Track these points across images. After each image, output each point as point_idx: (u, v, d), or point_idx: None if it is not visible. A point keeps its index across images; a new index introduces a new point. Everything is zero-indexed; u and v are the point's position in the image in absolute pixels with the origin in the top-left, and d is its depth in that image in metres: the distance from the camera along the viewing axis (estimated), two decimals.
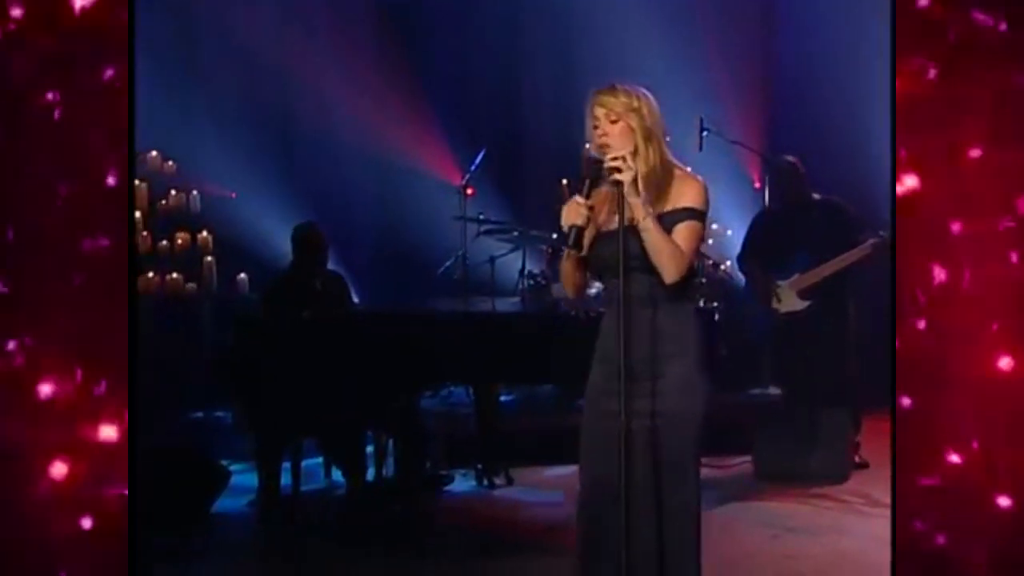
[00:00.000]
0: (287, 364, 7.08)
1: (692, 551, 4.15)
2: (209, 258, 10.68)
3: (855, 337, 8.30)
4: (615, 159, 4.04)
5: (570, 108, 12.38)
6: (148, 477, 7.14)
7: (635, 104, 4.16)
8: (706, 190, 4.18)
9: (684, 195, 4.13)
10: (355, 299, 9.09)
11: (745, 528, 6.94)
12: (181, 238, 10.81)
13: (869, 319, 8.24)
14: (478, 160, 9.81)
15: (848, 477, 7.85)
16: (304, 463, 7.89)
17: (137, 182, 10.88)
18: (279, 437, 7.26)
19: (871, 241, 7.93)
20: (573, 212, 4.10)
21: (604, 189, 4.19)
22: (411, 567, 6.36)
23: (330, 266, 8.26)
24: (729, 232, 11.27)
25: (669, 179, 4.17)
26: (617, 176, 4.02)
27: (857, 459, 8.08)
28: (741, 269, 8.87)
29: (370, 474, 7.61)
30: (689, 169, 4.31)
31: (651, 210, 4.02)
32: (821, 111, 10.87)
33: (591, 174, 4.15)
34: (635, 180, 4.01)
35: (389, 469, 7.58)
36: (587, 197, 4.12)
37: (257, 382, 7.16)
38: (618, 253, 4.00)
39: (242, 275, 10.63)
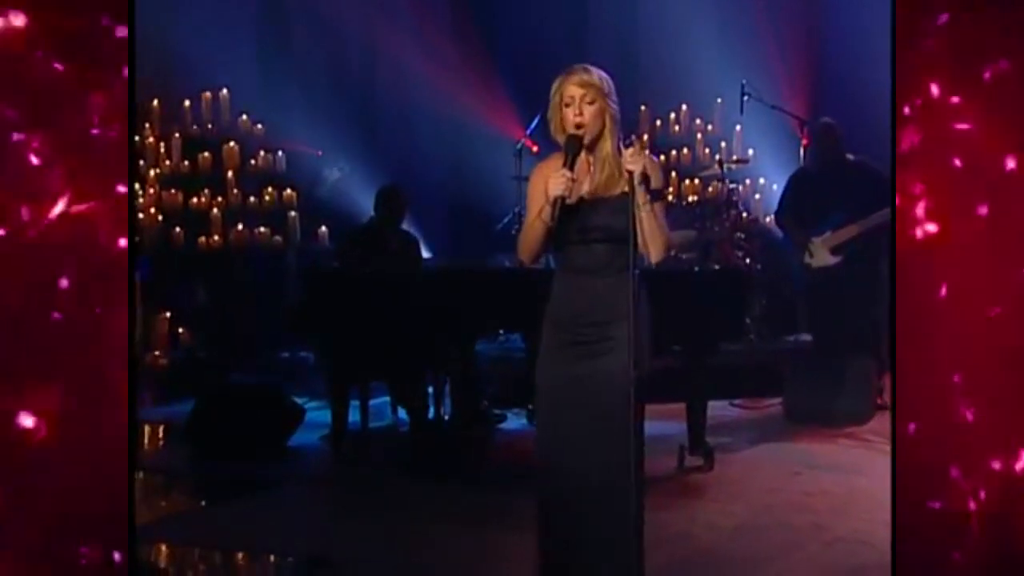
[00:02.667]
0: (357, 312, 7.26)
1: (636, 472, 4.06)
2: (293, 213, 10.94)
3: (883, 291, 8.34)
4: (633, 150, 4.08)
5: (629, 71, 12.53)
6: (232, 413, 7.45)
7: (606, 88, 4.15)
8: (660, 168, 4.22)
9: (652, 174, 4.12)
10: (427, 254, 9.29)
11: (771, 466, 6.98)
12: (268, 195, 11.08)
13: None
14: (534, 124, 9.92)
15: (871, 418, 7.88)
16: (373, 402, 8.08)
17: (230, 143, 11.19)
18: (348, 378, 7.46)
19: None
20: (562, 184, 4.05)
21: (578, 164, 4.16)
22: (466, 498, 6.44)
23: (405, 224, 8.46)
24: (775, 186, 11.30)
25: (617, 154, 4.16)
26: (630, 166, 4.05)
27: (879, 401, 8.13)
28: (778, 224, 8.90)
29: (431, 413, 7.80)
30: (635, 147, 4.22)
31: (648, 196, 4.09)
32: (867, 75, 10.82)
33: (573, 150, 4.11)
34: (644, 169, 4.06)
35: (447, 409, 7.76)
36: (572, 171, 4.08)
37: (329, 328, 7.37)
38: (581, 224, 4.12)
39: (323, 228, 10.87)
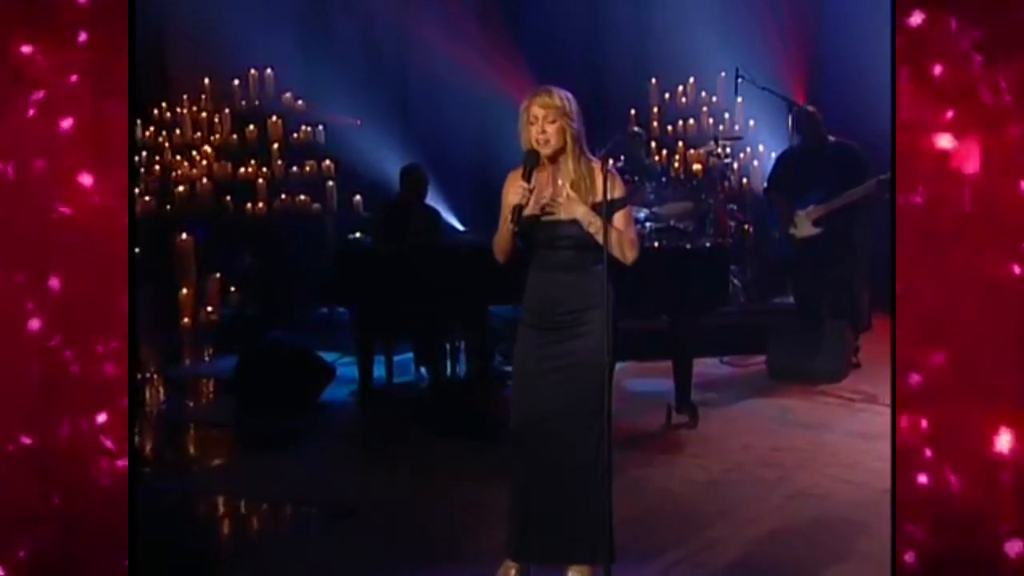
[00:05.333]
0: (382, 282, 7.52)
1: (600, 440, 4.28)
2: (331, 183, 11.17)
3: (859, 260, 8.52)
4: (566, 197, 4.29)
5: (641, 47, 12.62)
6: (270, 371, 7.71)
7: (568, 108, 4.30)
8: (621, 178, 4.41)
9: (612, 188, 4.27)
10: (459, 225, 9.50)
11: (749, 422, 7.12)
12: (309, 166, 11.32)
13: (872, 245, 8.54)
14: None
15: (845, 376, 8.04)
16: (398, 358, 8.30)
17: (274, 118, 11.42)
18: (374, 340, 7.71)
19: (874, 180, 8.09)
20: (519, 194, 4.27)
21: (540, 175, 4.34)
22: (479, 449, 6.54)
23: (435, 197, 8.68)
24: (772, 154, 11.36)
25: (590, 171, 4.34)
26: (565, 214, 4.29)
27: (854, 360, 8.32)
28: (766, 198, 9.05)
29: (448, 371, 8.04)
30: (595, 160, 4.42)
31: (600, 222, 4.23)
32: (861, 63, 10.88)
33: (531, 164, 4.30)
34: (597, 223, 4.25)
35: (462, 367, 7.99)
36: (528, 182, 4.29)
37: (356, 296, 7.63)
38: (551, 234, 4.32)
39: (357, 197, 11.10)
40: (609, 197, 4.24)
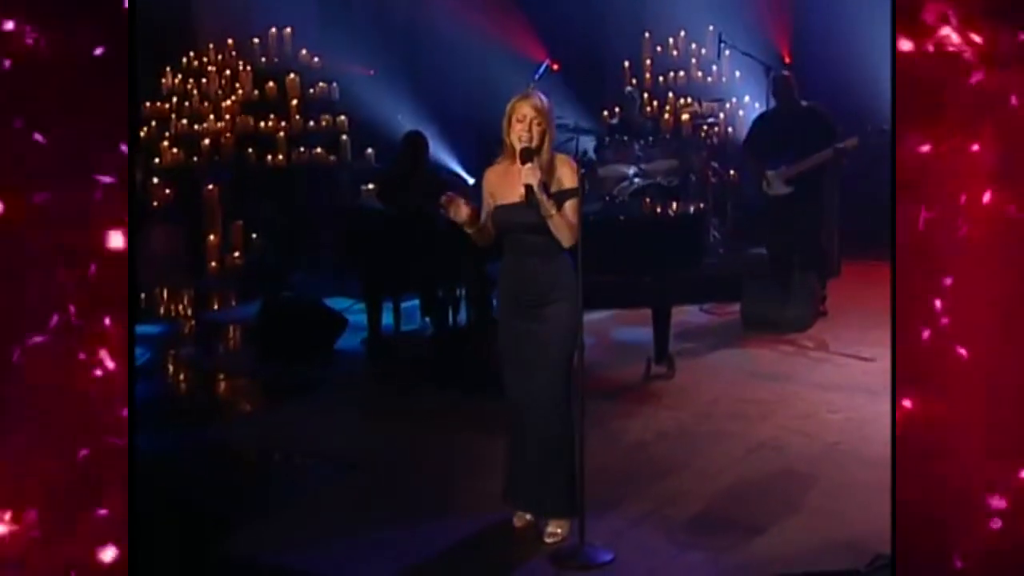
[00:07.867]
0: (389, 241, 7.73)
1: (568, 409, 4.64)
2: (345, 136, 11.31)
3: (827, 216, 8.71)
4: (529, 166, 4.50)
5: (636, 4, 12.67)
6: (287, 322, 7.93)
7: (551, 115, 4.60)
8: (577, 169, 4.65)
9: (566, 177, 4.58)
10: (469, 179, 9.71)
11: (722, 373, 7.24)
12: (325, 120, 11.46)
13: (838, 204, 8.73)
14: (540, 71, 10.16)
15: (812, 325, 8.23)
16: (405, 305, 8.50)
17: (292, 75, 11.55)
18: (381, 294, 7.94)
19: (834, 146, 8.26)
20: (538, 175, 4.49)
21: (512, 168, 4.58)
22: (479, 396, 6.65)
23: (444, 150, 8.80)
24: (757, 104, 11.47)
25: (552, 161, 4.61)
26: (525, 180, 4.49)
27: (822, 308, 8.54)
28: (743, 158, 9.19)
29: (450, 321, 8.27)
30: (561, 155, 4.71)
31: (552, 206, 4.51)
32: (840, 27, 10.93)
33: (525, 158, 4.52)
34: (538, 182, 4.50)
35: (463, 316, 8.22)
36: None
37: (365, 254, 7.86)
38: (522, 220, 4.54)
39: (369, 150, 11.25)
40: (564, 187, 4.53)
